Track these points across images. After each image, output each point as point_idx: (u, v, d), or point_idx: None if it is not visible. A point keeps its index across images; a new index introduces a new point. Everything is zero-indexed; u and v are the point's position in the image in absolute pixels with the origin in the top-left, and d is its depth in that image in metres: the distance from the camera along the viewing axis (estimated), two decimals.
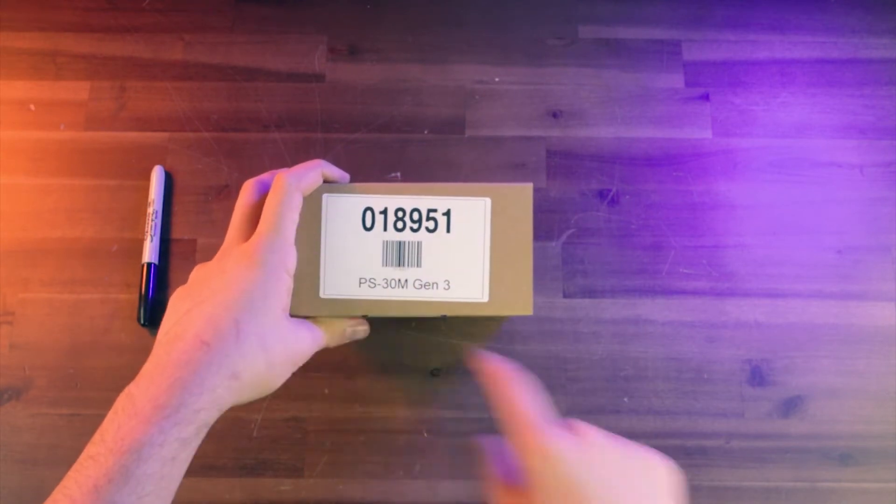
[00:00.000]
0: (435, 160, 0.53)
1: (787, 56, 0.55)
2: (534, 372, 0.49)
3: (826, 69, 0.55)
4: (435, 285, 0.38)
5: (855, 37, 0.55)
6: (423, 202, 0.38)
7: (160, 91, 0.54)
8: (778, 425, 0.49)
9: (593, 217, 0.52)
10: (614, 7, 0.56)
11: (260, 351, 0.33)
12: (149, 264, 0.50)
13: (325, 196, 0.38)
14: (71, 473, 0.30)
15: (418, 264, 0.38)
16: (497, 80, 0.54)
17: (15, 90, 0.54)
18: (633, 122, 0.54)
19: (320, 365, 0.49)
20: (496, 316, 0.42)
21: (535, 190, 0.52)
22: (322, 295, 0.38)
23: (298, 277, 0.37)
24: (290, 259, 0.36)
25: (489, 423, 0.49)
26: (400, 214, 0.38)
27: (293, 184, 0.36)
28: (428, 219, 0.38)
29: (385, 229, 0.38)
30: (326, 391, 0.49)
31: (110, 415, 0.31)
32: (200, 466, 0.48)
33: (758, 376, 0.50)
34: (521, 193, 0.38)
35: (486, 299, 0.38)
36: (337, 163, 0.44)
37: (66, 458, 0.31)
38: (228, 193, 0.52)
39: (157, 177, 0.51)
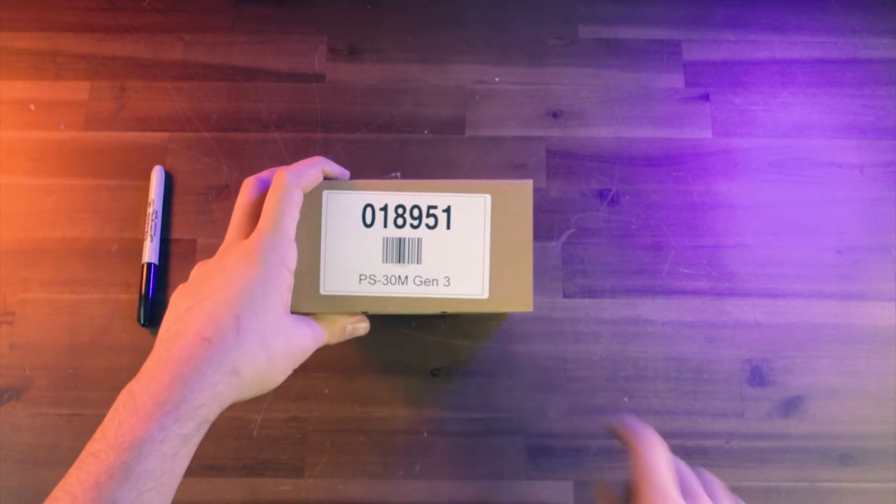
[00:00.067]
0: (435, 160, 0.53)
1: (787, 56, 0.55)
2: (534, 372, 0.49)
3: (826, 69, 0.55)
4: (435, 282, 0.38)
5: (855, 37, 0.55)
6: (424, 199, 0.38)
7: (160, 91, 0.54)
8: (778, 425, 0.49)
9: (593, 217, 0.52)
10: (614, 7, 0.56)
11: (261, 347, 0.33)
12: (149, 264, 0.50)
13: (325, 193, 0.38)
14: (72, 470, 0.30)
15: (418, 261, 0.38)
16: (497, 80, 0.54)
17: (15, 90, 0.54)
18: (633, 122, 0.54)
19: (320, 365, 0.49)
20: (496, 313, 0.42)
21: (535, 190, 0.52)
22: (322, 292, 0.38)
23: (299, 274, 0.37)
24: (291, 256, 0.36)
25: (489, 423, 0.49)
26: (400, 211, 0.38)
27: (293, 181, 0.36)
28: (428, 215, 0.38)
29: (385, 226, 0.38)
30: (326, 391, 0.49)
31: (111, 412, 0.31)
32: (200, 466, 0.48)
33: (758, 376, 0.50)
34: (522, 190, 0.38)
35: (486, 296, 0.38)
36: (337, 162, 0.44)
37: (66, 458, 0.31)
38: (228, 193, 0.52)
39: (157, 177, 0.51)
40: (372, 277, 0.38)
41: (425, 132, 0.53)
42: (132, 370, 0.33)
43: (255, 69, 0.54)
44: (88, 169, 0.52)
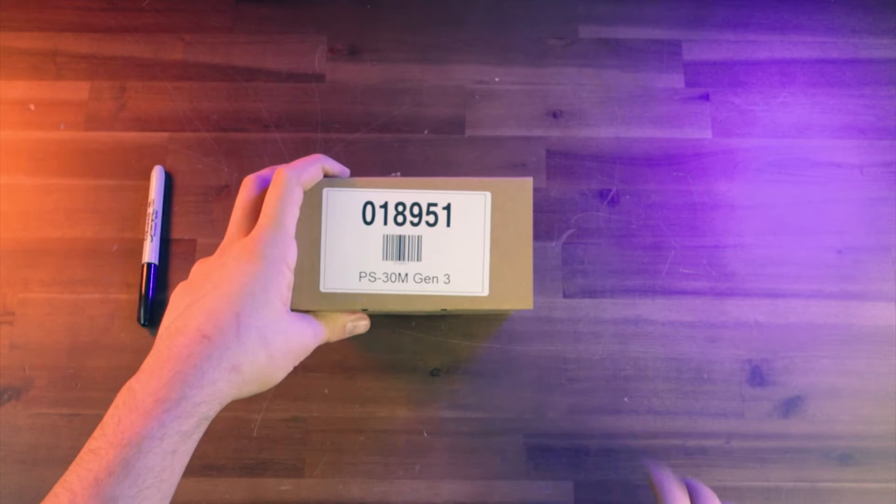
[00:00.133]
0: (435, 160, 0.53)
1: (787, 56, 0.55)
2: (534, 372, 0.49)
3: (826, 69, 0.55)
4: (435, 279, 0.38)
5: (855, 37, 0.55)
6: (424, 196, 0.38)
7: (160, 91, 0.54)
8: (778, 425, 0.49)
9: (593, 217, 0.52)
10: (614, 7, 0.56)
11: (260, 344, 0.33)
12: (149, 264, 0.50)
13: (325, 190, 0.38)
14: (72, 468, 0.30)
15: (418, 258, 0.38)
16: (497, 80, 0.54)
17: (15, 90, 0.54)
18: (633, 122, 0.54)
19: (320, 365, 0.49)
20: (496, 311, 0.42)
21: (536, 190, 0.52)
22: (322, 289, 0.38)
23: (299, 271, 0.37)
24: (291, 253, 0.36)
25: (489, 423, 0.49)
26: (400, 209, 0.38)
27: (293, 178, 0.36)
28: (428, 213, 0.38)
29: (385, 223, 0.38)
30: (326, 391, 0.49)
31: (111, 409, 0.31)
32: (200, 466, 0.48)
33: (758, 376, 0.50)
34: (522, 188, 0.38)
35: (486, 293, 0.38)
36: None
37: (66, 458, 0.31)
38: (228, 193, 0.52)
39: (157, 177, 0.51)
40: (372, 275, 0.38)
41: (425, 132, 0.53)
42: (132, 370, 0.33)
43: (255, 69, 0.54)
44: (88, 169, 0.52)
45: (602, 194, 0.52)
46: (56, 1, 0.55)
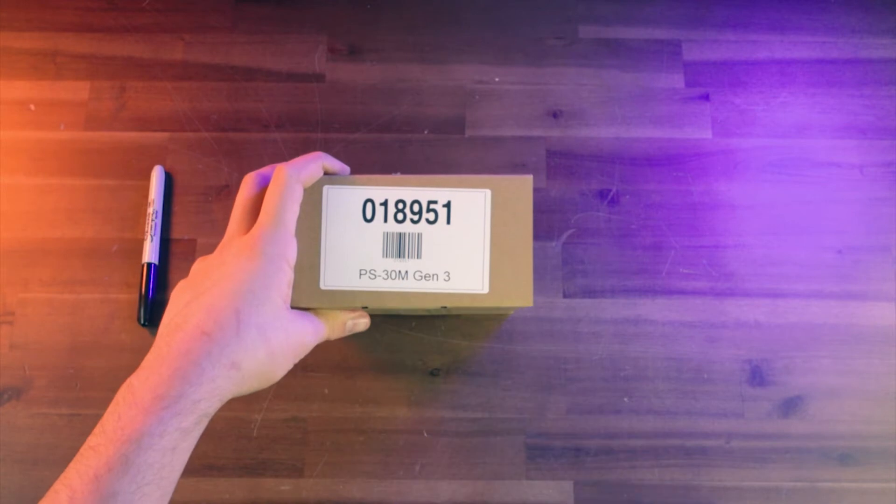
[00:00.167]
0: (435, 160, 0.53)
1: (787, 56, 0.55)
2: (534, 372, 0.49)
3: (826, 69, 0.55)
4: (435, 276, 0.38)
5: (855, 37, 0.55)
6: (424, 194, 0.38)
7: (160, 91, 0.54)
8: (778, 425, 0.49)
9: (593, 217, 0.52)
10: (614, 7, 0.56)
11: (261, 341, 0.33)
12: (149, 264, 0.50)
13: (325, 188, 0.38)
14: (72, 464, 0.30)
15: (418, 256, 0.38)
16: (497, 80, 0.54)
17: (15, 90, 0.54)
18: (633, 122, 0.54)
19: (320, 365, 0.49)
20: (497, 308, 0.42)
21: (536, 190, 0.52)
22: (322, 286, 0.38)
23: (299, 269, 0.37)
24: (291, 250, 0.36)
25: (489, 423, 0.49)
26: (400, 206, 0.38)
27: (294, 175, 0.36)
28: (428, 210, 0.38)
29: (385, 221, 0.38)
30: (326, 391, 0.49)
31: (111, 406, 0.31)
32: (200, 466, 0.48)
33: (758, 376, 0.50)
34: (522, 185, 0.38)
35: (486, 290, 0.38)
36: None
37: (65, 458, 0.31)
38: (228, 193, 0.52)
39: (157, 177, 0.51)
40: (372, 272, 0.38)
41: (425, 132, 0.53)
42: (132, 370, 0.33)
43: (255, 69, 0.54)
44: (88, 169, 0.52)
45: (602, 194, 0.52)
46: (56, 1, 0.55)
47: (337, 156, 0.53)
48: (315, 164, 0.38)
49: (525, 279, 0.38)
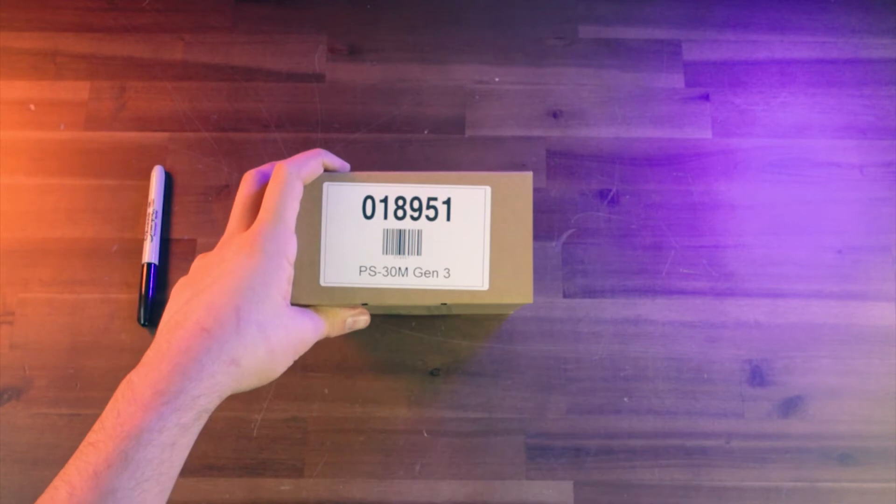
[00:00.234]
0: (435, 160, 0.53)
1: (787, 56, 0.55)
2: (534, 372, 0.49)
3: (826, 69, 0.55)
4: (435, 273, 0.38)
5: (855, 37, 0.55)
6: (424, 190, 0.38)
7: (160, 91, 0.54)
8: (778, 425, 0.49)
9: (593, 217, 0.52)
10: (614, 7, 0.56)
11: (260, 338, 0.33)
12: (149, 264, 0.50)
13: (325, 185, 0.38)
14: (71, 461, 0.30)
15: (418, 252, 0.38)
16: (497, 80, 0.54)
17: (15, 90, 0.54)
18: (633, 122, 0.54)
19: (320, 365, 0.49)
20: (497, 305, 0.42)
21: (536, 190, 0.52)
22: (322, 283, 0.38)
23: (299, 266, 0.37)
24: (291, 247, 0.36)
25: (488, 423, 0.49)
26: (400, 203, 0.38)
27: (294, 172, 0.36)
28: (428, 207, 0.38)
29: (385, 217, 0.38)
30: (326, 391, 0.49)
31: (111, 403, 0.31)
32: (200, 466, 0.48)
33: (758, 376, 0.50)
34: (522, 182, 0.38)
35: (486, 287, 0.38)
36: None
37: (65, 458, 0.31)
38: (228, 193, 0.52)
39: (157, 177, 0.51)
40: (372, 269, 0.38)
41: (425, 132, 0.53)
42: (132, 370, 0.33)
43: (255, 69, 0.54)
44: (88, 169, 0.52)
45: (602, 194, 0.52)
46: (56, 1, 0.55)
47: (337, 155, 0.53)
48: (315, 160, 0.38)
49: (525, 276, 0.38)
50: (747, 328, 0.50)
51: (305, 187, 0.38)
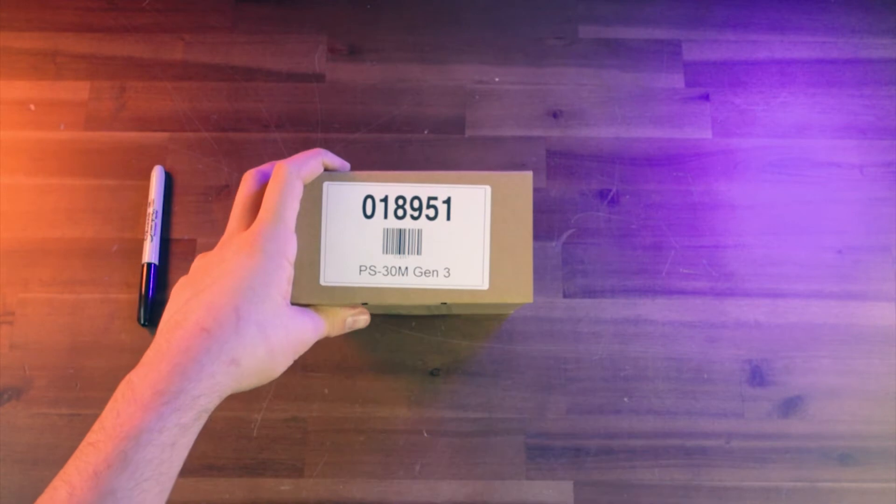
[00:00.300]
0: (435, 160, 0.53)
1: (787, 56, 0.55)
2: (534, 372, 0.49)
3: (826, 69, 0.55)
4: (435, 273, 0.38)
5: (855, 37, 0.55)
6: (424, 190, 0.38)
7: (160, 91, 0.54)
8: (778, 425, 0.49)
9: (593, 217, 0.52)
10: (614, 7, 0.56)
11: (260, 338, 0.33)
12: (149, 264, 0.50)
13: (325, 184, 0.38)
14: (71, 461, 0.30)
15: (418, 252, 0.38)
16: (497, 80, 0.54)
17: (15, 90, 0.54)
18: (633, 122, 0.54)
19: (320, 365, 0.49)
20: (497, 305, 0.42)
21: (536, 190, 0.52)
22: (322, 283, 0.38)
23: (299, 265, 0.37)
24: (291, 247, 0.36)
25: (489, 423, 0.49)
26: (400, 202, 0.38)
27: (294, 172, 0.36)
28: (428, 206, 0.38)
29: (385, 217, 0.38)
30: (326, 391, 0.49)
31: (110, 403, 0.31)
32: (200, 466, 0.48)
33: (758, 376, 0.50)
34: (522, 182, 0.38)
35: (486, 287, 0.38)
36: None
37: (65, 458, 0.31)
38: (228, 193, 0.52)
39: (157, 177, 0.51)
40: (372, 268, 0.38)
41: (425, 132, 0.53)
42: (132, 370, 0.33)
43: (255, 69, 0.54)
44: (88, 169, 0.52)
45: (602, 194, 0.52)
46: (56, 1, 0.55)
47: (337, 155, 0.53)
48: (315, 160, 0.38)
49: (525, 275, 0.38)
50: (747, 328, 0.50)
51: (305, 187, 0.38)
